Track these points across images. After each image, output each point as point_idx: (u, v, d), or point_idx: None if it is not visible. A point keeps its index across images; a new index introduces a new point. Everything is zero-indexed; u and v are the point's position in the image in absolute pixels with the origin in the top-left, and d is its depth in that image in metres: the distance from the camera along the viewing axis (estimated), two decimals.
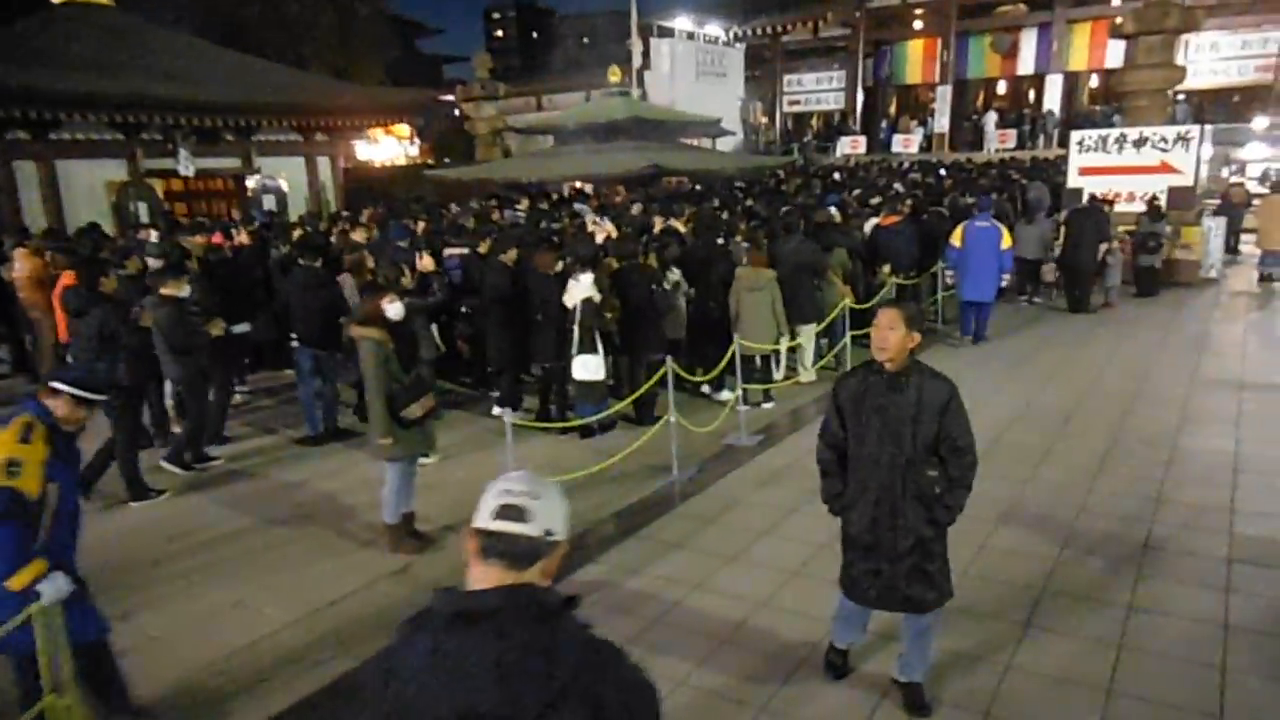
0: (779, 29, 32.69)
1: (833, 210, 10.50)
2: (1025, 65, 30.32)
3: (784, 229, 9.64)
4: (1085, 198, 14.11)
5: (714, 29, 31.56)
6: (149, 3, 22.26)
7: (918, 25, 31.61)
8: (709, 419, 7.73)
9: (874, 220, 11.16)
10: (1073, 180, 14.69)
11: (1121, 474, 6.49)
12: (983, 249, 10.79)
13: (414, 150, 31.91)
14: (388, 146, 33.11)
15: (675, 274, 9.04)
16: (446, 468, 7.31)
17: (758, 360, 8.85)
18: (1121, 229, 13.16)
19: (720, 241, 9.49)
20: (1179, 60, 15.48)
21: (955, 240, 11.00)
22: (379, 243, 10.77)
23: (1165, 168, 14.18)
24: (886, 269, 10.48)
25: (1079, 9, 28.37)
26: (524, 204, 13.11)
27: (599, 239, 8.95)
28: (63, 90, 14.88)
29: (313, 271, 8.00)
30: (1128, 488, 6.24)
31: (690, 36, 30.59)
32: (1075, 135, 14.70)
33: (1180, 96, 25.76)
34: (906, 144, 29.48)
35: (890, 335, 3.52)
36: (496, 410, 8.42)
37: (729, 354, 8.00)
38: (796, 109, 34.44)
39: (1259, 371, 9.11)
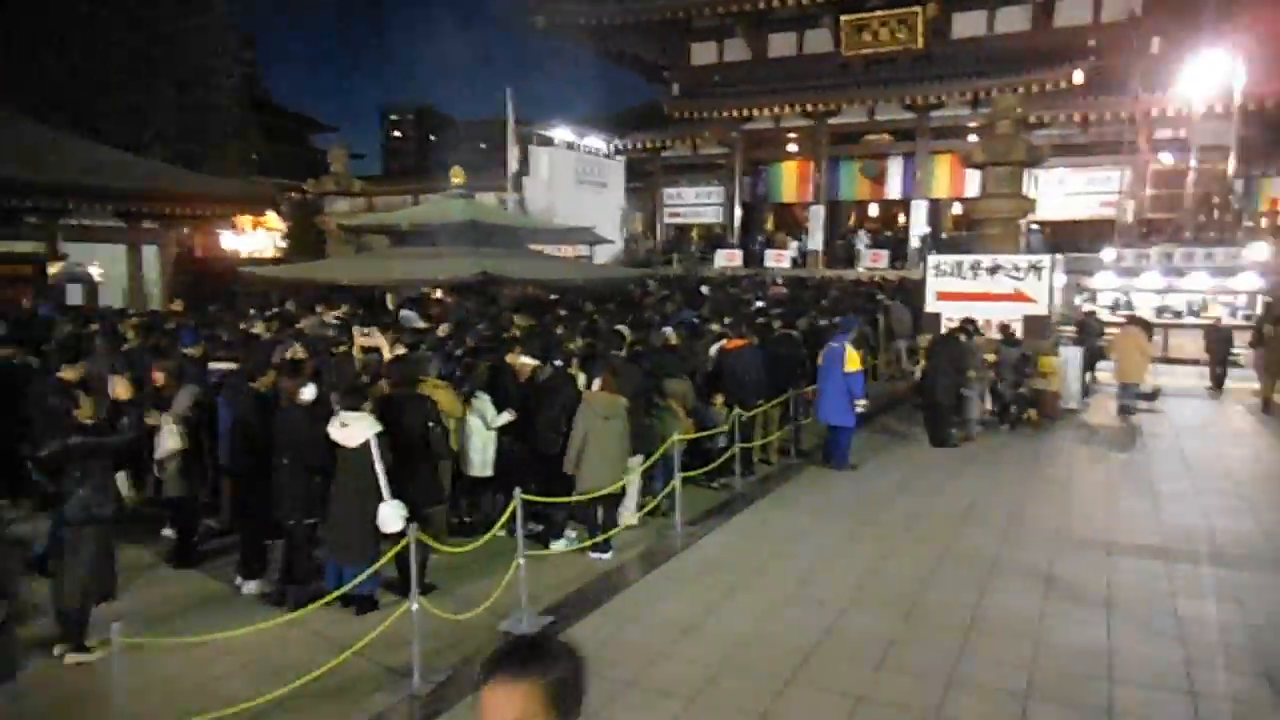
0: (658, 145, 32.39)
1: (668, 332, 9.13)
2: (893, 190, 30.64)
3: (602, 353, 8.19)
4: (944, 324, 13.30)
5: (595, 141, 31.02)
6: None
7: (792, 148, 31.73)
8: (488, 587, 5.98)
9: (720, 342, 9.83)
10: (930, 304, 13.89)
11: (979, 686, 5.02)
12: (832, 371, 9.81)
13: (285, 244, 29.85)
14: (256, 238, 30.89)
15: (482, 400, 7.44)
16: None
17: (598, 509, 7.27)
18: (988, 357, 12.31)
19: (558, 364, 7.97)
20: (1029, 192, 15.15)
21: (850, 361, 9.91)
22: (138, 351, 8.82)
23: (1019, 296, 13.50)
24: (719, 400, 9.10)
25: (939, 141, 28.91)
26: (338, 309, 11.37)
27: (386, 354, 7.28)
28: None
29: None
30: (987, 709, 4.77)
31: (571, 146, 29.95)
32: (931, 260, 13.98)
33: (1034, 226, 26.18)
34: (779, 259, 29.10)
35: None
36: (245, 587, 6.48)
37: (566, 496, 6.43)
38: (677, 220, 33.97)
39: (1127, 527, 7.97)
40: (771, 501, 8.89)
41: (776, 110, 29.93)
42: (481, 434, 7.61)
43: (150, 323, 10.07)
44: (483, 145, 70.85)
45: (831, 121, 29.93)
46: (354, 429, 5.88)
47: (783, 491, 9.29)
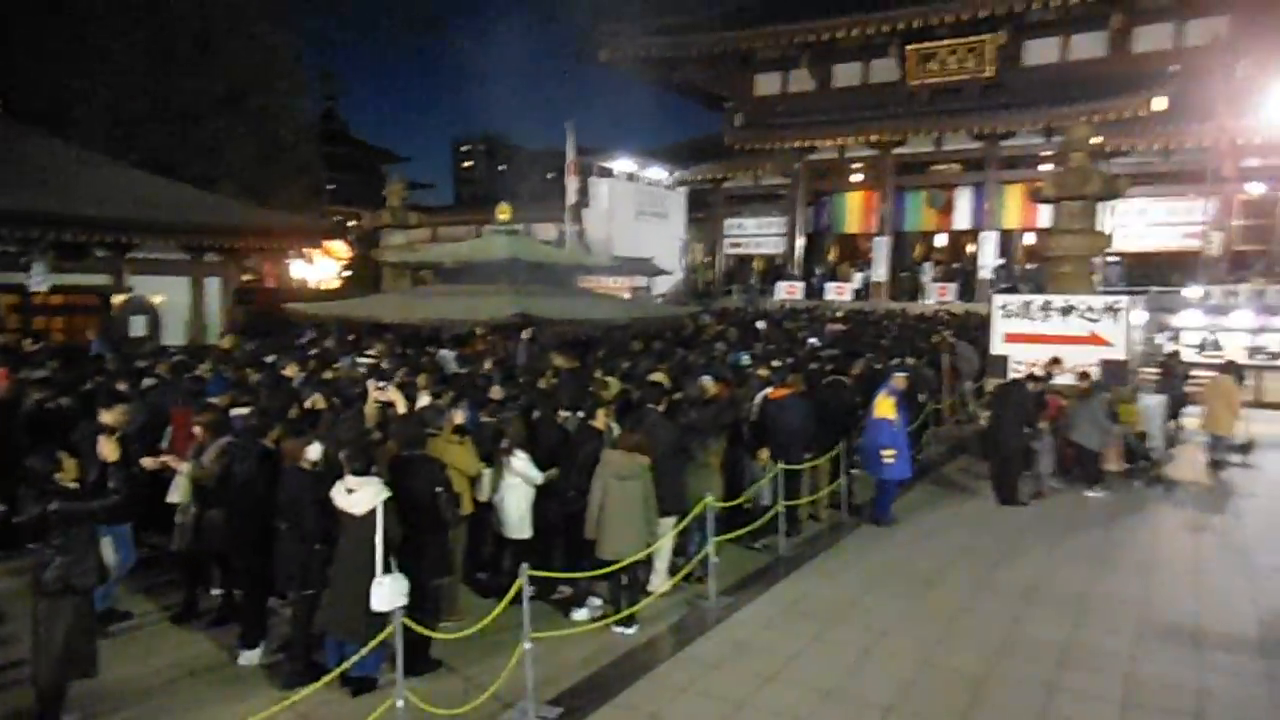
0: (720, 176, 31.88)
1: (707, 381, 8.45)
2: (961, 221, 29.51)
3: (637, 404, 7.59)
4: (1011, 369, 12.38)
5: (656, 172, 30.70)
6: (73, 128, 20.57)
7: (856, 178, 30.92)
8: (499, 666, 5.39)
9: (765, 390, 9.13)
10: (996, 346, 12.95)
11: None
12: (871, 419, 9.33)
13: (345, 275, 30.17)
14: (323, 267, 31.32)
15: (520, 459, 6.90)
16: None
17: (623, 575, 6.68)
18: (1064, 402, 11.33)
19: (580, 415, 7.43)
20: (1104, 225, 14.14)
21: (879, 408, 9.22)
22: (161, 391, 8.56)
23: (1095, 339, 12.49)
24: (764, 454, 8.40)
25: (1010, 171, 27.74)
26: (377, 348, 11.05)
27: (400, 409, 6.81)
28: None
29: None
30: None
31: (631, 177, 29.68)
32: (998, 300, 13.05)
33: (1113, 258, 24.79)
34: (840, 291, 28.20)
35: None
36: (242, 657, 6.05)
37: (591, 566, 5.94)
38: (738, 251, 33.33)
39: (1219, 612, 7.00)
40: (817, 567, 8.13)
41: (841, 140, 29.20)
42: (518, 492, 7.08)
43: (181, 364, 9.80)
44: (550, 175, 71.37)
45: (897, 151, 29.04)
46: (360, 495, 5.39)
47: (830, 555, 8.51)
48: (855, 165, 30.60)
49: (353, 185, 55.55)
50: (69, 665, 5.00)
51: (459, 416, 7.36)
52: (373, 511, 5.31)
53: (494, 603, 5.96)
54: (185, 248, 16.77)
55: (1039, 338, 12.70)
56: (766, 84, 32.74)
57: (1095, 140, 13.30)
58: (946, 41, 28.42)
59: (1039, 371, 11.41)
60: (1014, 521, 9.68)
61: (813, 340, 14.77)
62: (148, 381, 9.30)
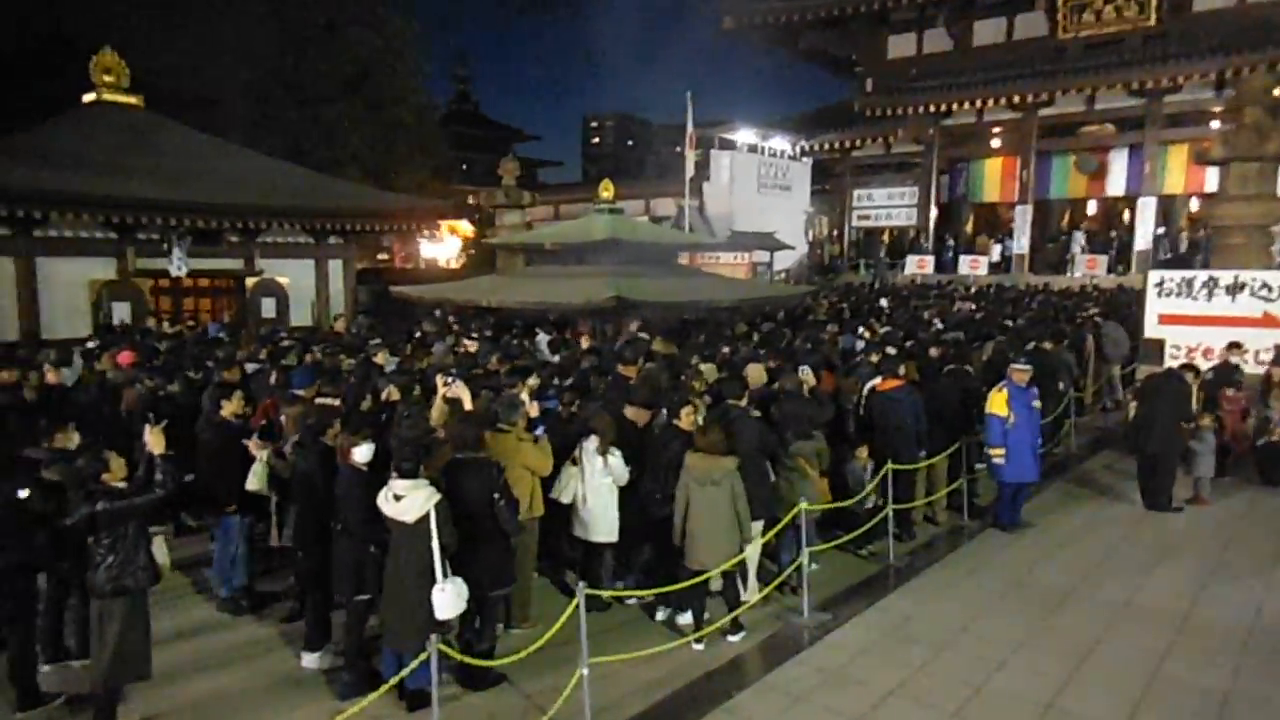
0: (848, 144, 30.30)
1: (805, 372, 7.66)
2: (1115, 186, 26.91)
3: (716, 398, 6.93)
4: (1169, 354, 10.93)
5: (780, 143, 29.49)
6: (217, 112, 21.63)
7: (995, 143, 28.69)
8: (563, 681, 4.94)
9: (874, 381, 8.26)
10: (1150, 329, 11.46)
11: None
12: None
13: (465, 256, 30.60)
14: (450, 245, 31.88)
15: (615, 456, 6.43)
16: None
17: (711, 582, 6.15)
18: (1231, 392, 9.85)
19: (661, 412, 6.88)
20: None
21: (991, 403, 8.15)
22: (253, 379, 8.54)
23: (1269, 320, 10.85)
24: (864, 453, 7.57)
25: (1173, 130, 24.98)
26: (478, 334, 10.82)
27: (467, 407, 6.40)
28: (46, 189, 13.62)
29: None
30: None
31: (753, 149, 28.62)
32: (1153, 275, 11.51)
33: None
34: (975, 265, 26.26)
35: None
36: (305, 660, 5.85)
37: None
38: (866, 224, 31.64)
39: None
40: (929, 580, 7.27)
41: (980, 103, 27.14)
42: (604, 493, 6.61)
43: (280, 349, 9.80)
44: (676, 149, 70.88)
45: (1043, 113, 26.69)
46: (408, 501, 5.01)
47: (945, 565, 7.62)
48: (995, 129, 28.39)
49: (484, 164, 56.65)
50: (124, 666, 4.90)
51: (534, 409, 6.93)
52: (425, 518, 4.92)
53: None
54: (308, 231, 17.19)
55: (1201, 319, 11.16)
56: (900, 46, 30.79)
57: (1276, 91, 11.47)
58: None
59: (1202, 360, 9.99)
60: (1164, 531, 8.46)
61: (937, 323, 13.55)
62: (251, 367, 9.38)
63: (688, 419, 6.38)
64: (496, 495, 5.30)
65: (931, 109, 27.61)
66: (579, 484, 6.74)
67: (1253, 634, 6.14)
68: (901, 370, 8.12)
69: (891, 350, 9.34)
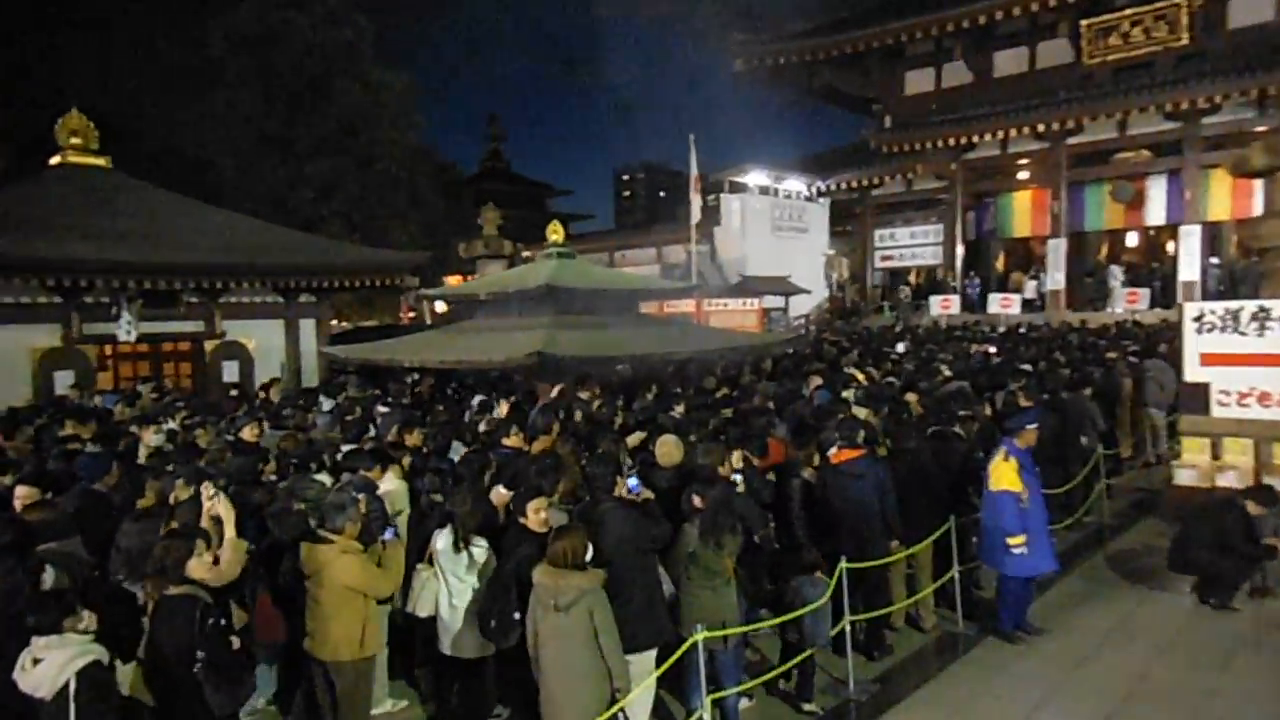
0: (867, 183, 28.58)
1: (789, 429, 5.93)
2: (1154, 216, 24.67)
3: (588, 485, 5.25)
4: (1215, 400, 8.93)
5: (794, 184, 27.94)
6: (189, 173, 20.91)
7: (1023, 176, 26.76)
8: None
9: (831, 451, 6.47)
10: (1191, 371, 9.42)
11: None
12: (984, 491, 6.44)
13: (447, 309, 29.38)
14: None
15: (478, 549, 4.86)
16: None
17: None
18: None
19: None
20: None
21: (996, 477, 6.31)
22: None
23: None
24: (812, 556, 5.73)
25: (1214, 153, 22.78)
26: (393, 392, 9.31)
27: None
28: None
29: None
30: None
31: (766, 191, 27.13)
32: (1191, 309, 9.51)
33: None
34: (1006, 304, 24.09)
35: None
36: None
37: None
38: (890, 264, 29.69)
39: None
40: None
41: (1003, 134, 25.36)
42: (469, 598, 5.02)
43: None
44: (712, 198, 69.94)
45: (1072, 141, 24.75)
46: (43, 668, 3.37)
47: (923, 699, 5.73)
48: (1022, 161, 26.48)
49: (517, 220, 56.32)
50: None
51: (402, 500, 5.37)
52: (62, 695, 3.30)
53: None
54: (277, 290, 16.01)
55: (1255, 358, 9.11)
56: (918, 81, 29.20)
57: None
58: (1130, 11, 24.05)
59: (1258, 408, 7.96)
60: (1221, 636, 6.45)
61: (945, 369, 11.65)
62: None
63: (535, 515, 4.72)
64: (200, 652, 3.65)
65: (952, 142, 25.86)
66: (439, 587, 5.16)
67: None
68: (862, 436, 6.33)
69: (860, 411, 7.53)
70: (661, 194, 74.55)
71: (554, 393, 8.43)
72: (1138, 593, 7.41)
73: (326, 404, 10.04)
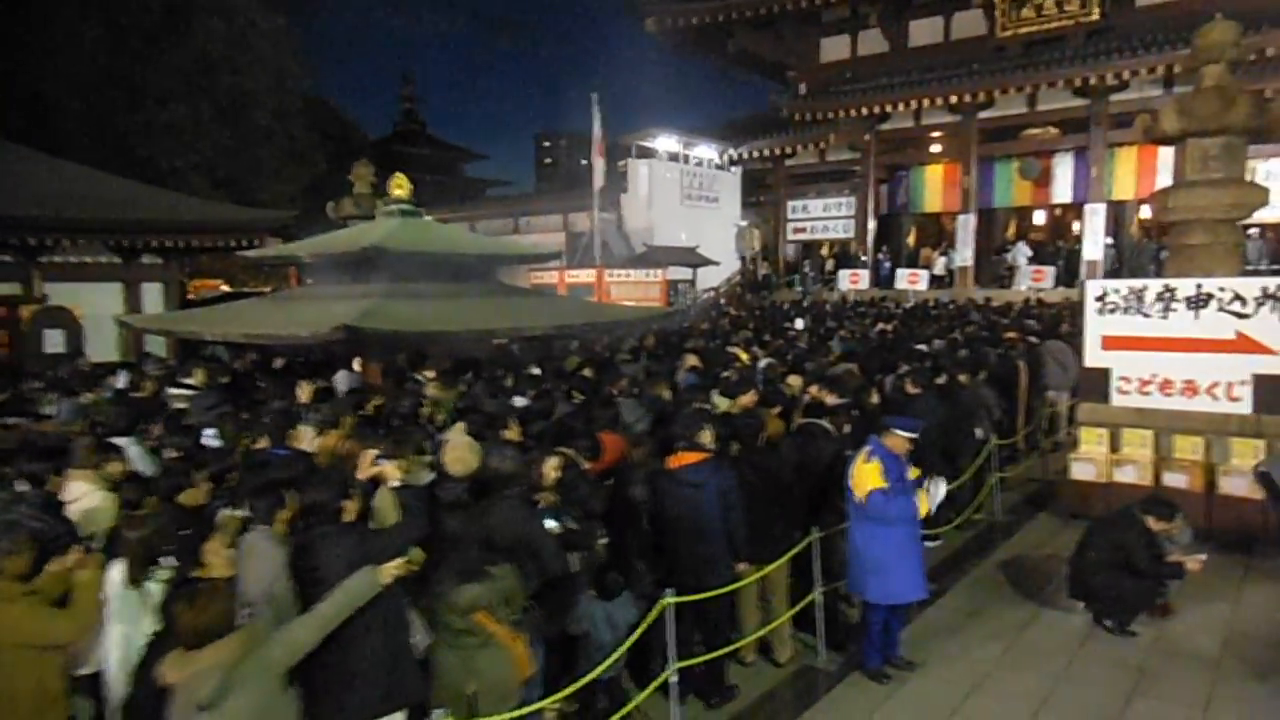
0: (780, 152, 27.56)
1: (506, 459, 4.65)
2: (1060, 194, 24.35)
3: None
4: (1115, 386, 8.08)
5: (705, 151, 26.72)
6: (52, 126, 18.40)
7: (935, 149, 26.14)
8: None
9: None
10: (1092, 356, 8.58)
11: None
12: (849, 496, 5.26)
13: None
14: None
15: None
16: None
17: None
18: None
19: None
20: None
21: (859, 482, 5.19)
22: None
23: (1246, 343, 8.00)
24: (612, 579, 4.53)
25: (1121, 131, 22.38)
26: (196, 375, 7.75)
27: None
28: None
29: None
30: None
31: (676, 158, 25.85)
32: (1092, 287, 8.64)
33: (1252, 231, 19.46)
34: (914, 280, 23.48)
35: None
36: None
37: None
38: (802, 237, 28.85)
39: None
40: None
41: (917, 104, 24.55)
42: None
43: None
44: (621, 163, 68.31)
45: (983, 115, 24.14)
46: None
47: None
48: (934, 134, 25.83)
49: (429, 186, 53.96)
50: None
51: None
52: None
53: None
54: (113, 249, 14.04)
55: (1157, 342, 8.30)
56: (833, 48, 28.19)
57: (1238, 45, 8.71)
58: None
59: (1160, 396, 7.10)
60: (1115, 664, 5.53)
61: (837, 348, 10.61)
62: None
63: (214, 556, 3.38)
64: None
65: (865, 112, 24.97)
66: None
67: None
68: (710, 436, 5.15)
69: (722, 403, 6.35)
70: (584, 161, 72.71)
71: (358, 371, 7.02)
72: (1029, 605, 6.49)
73: (121, 380, 8.42)
